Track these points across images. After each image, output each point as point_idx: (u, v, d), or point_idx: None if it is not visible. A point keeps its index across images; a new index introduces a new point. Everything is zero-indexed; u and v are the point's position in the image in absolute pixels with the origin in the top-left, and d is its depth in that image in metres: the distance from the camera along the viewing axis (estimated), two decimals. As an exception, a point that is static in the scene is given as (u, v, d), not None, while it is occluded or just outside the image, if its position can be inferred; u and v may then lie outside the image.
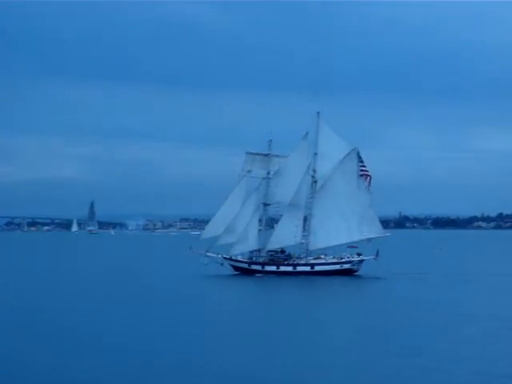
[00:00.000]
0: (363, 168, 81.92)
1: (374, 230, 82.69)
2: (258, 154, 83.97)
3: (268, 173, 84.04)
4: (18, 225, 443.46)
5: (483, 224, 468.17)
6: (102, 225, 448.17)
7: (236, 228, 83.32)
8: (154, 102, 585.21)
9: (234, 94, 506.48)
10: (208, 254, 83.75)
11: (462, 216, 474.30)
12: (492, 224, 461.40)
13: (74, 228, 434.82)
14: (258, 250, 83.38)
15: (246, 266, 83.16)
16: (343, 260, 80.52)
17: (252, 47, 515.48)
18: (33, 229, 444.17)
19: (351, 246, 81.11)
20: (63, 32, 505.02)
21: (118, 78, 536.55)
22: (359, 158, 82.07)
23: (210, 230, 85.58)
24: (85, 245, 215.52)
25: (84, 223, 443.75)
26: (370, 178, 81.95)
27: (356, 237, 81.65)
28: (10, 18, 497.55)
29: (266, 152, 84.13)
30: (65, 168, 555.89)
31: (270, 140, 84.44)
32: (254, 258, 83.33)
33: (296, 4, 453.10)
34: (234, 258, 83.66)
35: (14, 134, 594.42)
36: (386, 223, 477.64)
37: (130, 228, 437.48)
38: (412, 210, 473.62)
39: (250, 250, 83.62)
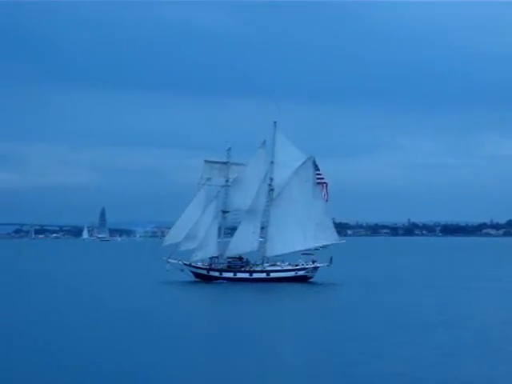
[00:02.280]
0: (319, 176, 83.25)
1: (330, 237, 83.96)
2: (216, 162, 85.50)
3: (227, 181, 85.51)
4: (27, 232, 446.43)
5: (492, 231, 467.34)
6: (112, 232, 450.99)
7: (196, 235, 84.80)
8: (163, 108, 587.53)
9: (243, 99, 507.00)
10: (169, 260, 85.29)
11: (471, 223, 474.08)
12: (501, 231, 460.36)
13: (85, 235, 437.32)
14: (217, 257, 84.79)
15: (204, 272, 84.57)
16: (298, 267, 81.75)
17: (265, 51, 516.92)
18: (41, 236, 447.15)
19: (306, 253, 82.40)
20: (72, 39, 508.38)
21: (126, 84, 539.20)
22: (315, 166, 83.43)
23: (172, 237, 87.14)
24: (89, 252, 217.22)
25: (93, 230, 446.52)
26: (327, 186, 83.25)
27: (312, 244, 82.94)
28: (16, 24, 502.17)
29: (225, 160, 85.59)
30: (73, 175, 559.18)
31: (229, 148, 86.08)
32: (214, 265, 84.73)
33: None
34: (193, 264, 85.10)
35: (23, 141, 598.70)
36: (395, 230, 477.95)
37: (138, 235, 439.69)
38: (421, 217, 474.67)
39: (210, 256, 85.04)
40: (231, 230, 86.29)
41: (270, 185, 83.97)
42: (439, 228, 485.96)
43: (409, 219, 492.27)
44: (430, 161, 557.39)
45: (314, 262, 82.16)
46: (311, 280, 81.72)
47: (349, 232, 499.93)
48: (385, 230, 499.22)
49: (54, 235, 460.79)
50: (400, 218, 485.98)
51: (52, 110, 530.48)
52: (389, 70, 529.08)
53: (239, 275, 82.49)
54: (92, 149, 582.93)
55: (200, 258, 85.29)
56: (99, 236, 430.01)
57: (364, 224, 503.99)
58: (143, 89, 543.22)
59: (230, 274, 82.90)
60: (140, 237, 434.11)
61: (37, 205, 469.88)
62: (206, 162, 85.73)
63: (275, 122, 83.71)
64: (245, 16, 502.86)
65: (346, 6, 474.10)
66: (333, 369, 34.13)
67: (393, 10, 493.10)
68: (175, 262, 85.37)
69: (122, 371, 33.67)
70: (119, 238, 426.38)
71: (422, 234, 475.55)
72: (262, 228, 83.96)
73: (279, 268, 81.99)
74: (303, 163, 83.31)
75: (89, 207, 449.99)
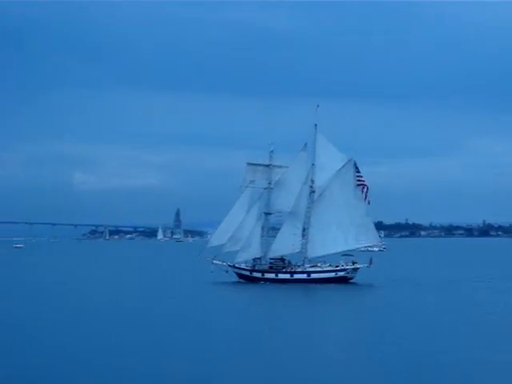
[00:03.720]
0: (360, 178, 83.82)
1: (371, 239, 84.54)
2: (259, 165, 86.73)
3: (269, 183, 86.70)
4: (101, 233, 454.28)
5: None
6: (186, 233, 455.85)
7: (240, 236, 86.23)
8: (235, 109, 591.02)
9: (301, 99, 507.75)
10: (214, 261, 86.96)
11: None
12: None
13: (160, 236, 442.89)
14: (260, 258, 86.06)
15: (247, 273, 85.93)
16: (338, 268, 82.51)
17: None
18: (116, 237, 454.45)
19: (346, 254, 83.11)
20: (142, 43, 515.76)
21: (193, 86, 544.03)
22: (356, 168, 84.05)
23: (217, 239, 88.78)
24: (157, 253, 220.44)
25: (166, 231, 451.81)
26: (367, 188, 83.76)
27: (353, 245, 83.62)
28: (92, 31, 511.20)
29: (268, 163, 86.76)
30: (147, 176, 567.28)
31: (272, 151, 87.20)
32: (256, 266, 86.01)
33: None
34: (237, 265, 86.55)
35: (98, 143, 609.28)
36: (469, 231, 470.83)
37: (209, 236, 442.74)
38: (497, 218, 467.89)
39: (253, 257, 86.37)
40: (274, 232, 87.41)
41: (311, 187, 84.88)
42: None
43: (484, 220, 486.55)
44: (499, 160, 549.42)
45: (354, 263, 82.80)
46: (352, 281, 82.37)
47: (422, 233, 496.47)
48: (459, 231, 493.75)
49: (128, 236, 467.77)
50: (475, 219, 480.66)
51: (127, 113, 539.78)
52: (460, 70, 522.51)
53: (281, 276, 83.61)
54: (166, 150, 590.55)
55: (243, 259, 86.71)
56: (174, 237, 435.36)
57: (438, 225, 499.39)
58: (209, 90, 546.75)
59: (272, 275, 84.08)
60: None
61: (112, 206, 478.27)
62: (249, 164, 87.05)
63: (316, 125, 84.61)
64: (308, 16, 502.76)
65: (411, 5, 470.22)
66: (371, 365, 34.91)
67: (458, 7, 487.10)
68: (220, 263, 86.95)
69: (168, 370, 34.41)
70: (191, 239, 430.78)
71: (498, 235, 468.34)
72: (304, 229, 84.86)
73: (319, 269, 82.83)
74: (344, 165, 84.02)
75: (163, 208, 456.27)
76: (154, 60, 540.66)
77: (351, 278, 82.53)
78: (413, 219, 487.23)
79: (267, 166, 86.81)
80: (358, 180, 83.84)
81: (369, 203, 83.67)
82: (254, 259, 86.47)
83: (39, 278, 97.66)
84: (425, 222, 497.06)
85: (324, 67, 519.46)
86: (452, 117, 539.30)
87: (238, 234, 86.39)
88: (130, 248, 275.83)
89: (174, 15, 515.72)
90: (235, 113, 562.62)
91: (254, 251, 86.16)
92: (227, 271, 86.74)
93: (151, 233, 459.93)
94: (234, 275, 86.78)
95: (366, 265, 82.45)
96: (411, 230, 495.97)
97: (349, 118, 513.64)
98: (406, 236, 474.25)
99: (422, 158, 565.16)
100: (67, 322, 51.17)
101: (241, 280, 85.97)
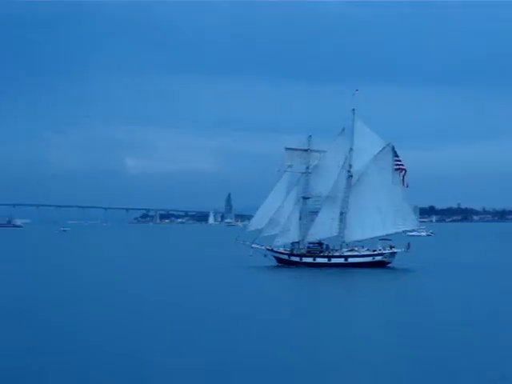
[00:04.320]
0: (398, 162, 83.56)
1: (410, 224, 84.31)
2: (297, 150, 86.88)
3: (307, 167, 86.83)
4: (152, 217, 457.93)
5: None
6: (237, 217, 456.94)
7: (278, 221, 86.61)
8: (286, 94, 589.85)
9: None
10: (253, 245, 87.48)
11: None
12: None
13: (211, 220, 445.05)
14: (298, 242, 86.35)
15: (286, 257, 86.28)
16: (375, 252, 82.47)
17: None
18: (166, 221, 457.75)
19: (384, 238, 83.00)
20: (198, 29, 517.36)
21: (247, 71, 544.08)
22: (394, 152, 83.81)
23: (255, 223, 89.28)
24: (208, 236, 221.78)
25: (217, 215, 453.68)
26: (405, 172, 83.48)
27: (391, 230, 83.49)
28: (148, 15, 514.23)
29: (306, 147, 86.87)
30: (199, 161, 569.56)
31: (310, 136, 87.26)
32: (295, 250, 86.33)
33: None
34: (275, 249, 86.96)
35: (150, 127, 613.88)
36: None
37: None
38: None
39: (291, 241, 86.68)
40: (312, 216, 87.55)
41: (349, 171, 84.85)
42: None
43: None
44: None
45: (391, 247, 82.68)
46: (389, 265, 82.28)
47: (475, 218, 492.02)
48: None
49: (179, 220, 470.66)
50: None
51: (179, 98, 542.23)
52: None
53: (318, 260, 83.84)
54: (217, 135, 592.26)
55: (282, 243, 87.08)
56: (226, 221, 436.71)
57: (491, 210, 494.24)
58: (267, 75, 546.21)
59: (310, 259, 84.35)
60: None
61: (163, 190, 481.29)
62: (287, 149, 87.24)
63: (353, 110, 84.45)
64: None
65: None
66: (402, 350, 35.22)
67: None
68: (258, 247, 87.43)
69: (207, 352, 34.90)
70: (241, 224, 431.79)
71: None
72: (342, 214, 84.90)
73: (357, 253, 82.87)
74: (382, 150, 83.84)
75: (214, 193, 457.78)
76: (207, 45, 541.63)
77: (389, 263, 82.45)
78: (465, 204, 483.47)
79: (305, 150, 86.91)
80: (397, 164, 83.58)
81: (407, 186, 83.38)
82: (293, 243, 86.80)
83: (63, 262, 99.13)
84: (477, 207, 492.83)
85: (365, 51, 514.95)
86: (504, 100, 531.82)
87: (276, 219, 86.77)
88: (178, 232, 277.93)
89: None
90: (285, 98, 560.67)
91: (293, 235, 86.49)
92: (266, 255, 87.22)
93: (202, 217, 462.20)
94: (273, 259, 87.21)
95: (403, 249, 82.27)
96: (463, 214, 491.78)
97: (395, 101, 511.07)
98: (458, 220, 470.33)
99: (475, 142, 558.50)
100: (91, 306, 52.03)
101: (279, 264, 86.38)
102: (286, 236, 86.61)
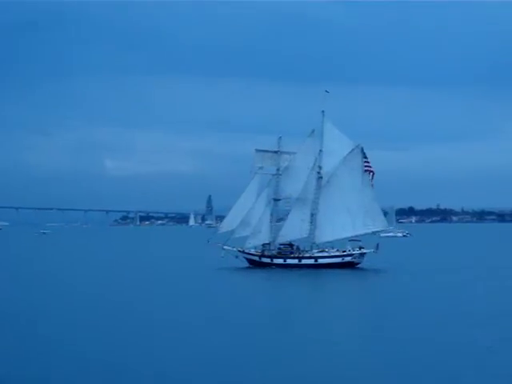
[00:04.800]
0: (367, 164, 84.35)
1: (379, 224, 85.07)
2: (267, 151, 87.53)
3: (278, 169, 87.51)
4: (133, 219, 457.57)
5: None
6: (217, 219, 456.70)
7: (250, 222, 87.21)
8: (268, 95, 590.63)
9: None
10: (225, 247, 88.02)
11: None
12: None
13: (191, 222, 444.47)
14: (269, 244, 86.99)
15: (257, 258, 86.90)
16: (345, 253, 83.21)
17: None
18: (146, 223, 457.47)
19: (353, 239, 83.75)
20: (179, 30, 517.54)
21: (229, 73, 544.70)
22: (363, 154, 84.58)
23: (227, 224, 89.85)
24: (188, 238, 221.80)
25: (197, 217, 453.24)
26: (373, 174, 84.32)
27: (361, 230, 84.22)
28: (129, 17, 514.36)
29: (276, 149, 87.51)
30: (178, 162, 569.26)
31: (280, 137, 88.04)
32: (266, 251, 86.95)
33: None
34: (246, 251, 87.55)
35: (130, 129, 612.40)
36: (501, 217, 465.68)
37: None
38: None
39: (263, 243, 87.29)
40: (283, 217, 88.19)
41: (318, 173, 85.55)
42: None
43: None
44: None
45: (360, 248, 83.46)
46: (358, 266, 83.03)
47: (454, 218, 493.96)
48: (491, 217, 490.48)
49: (160, 222, 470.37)
50: (508, 205, 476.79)
51: (158, 99, 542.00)
52: (494, 53, 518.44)
53: (289, 261, 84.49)
54: (197, 136, 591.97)
55: (253, 244, 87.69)
56: (206, 223, 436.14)
57: (470, 210, 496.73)
58: (246, 76, 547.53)
59: (281, 260, 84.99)
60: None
61: (143, 192, 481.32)
62: (258, 150, 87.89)
63: (323, 111, 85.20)
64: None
65: None
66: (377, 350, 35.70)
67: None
68: (230, 248, 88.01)
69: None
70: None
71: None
72: (312, 215, 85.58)
73: (326, 254, 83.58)
74: (351, 151, 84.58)
75: (194, 194, 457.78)
76: (187, 46, 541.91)
77: (358, 263, 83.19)
78: (444, 204, 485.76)
79: (275, 152, 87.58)
80: (366, 166, 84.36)
81: (372, 187, 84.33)
82: (264, 245, 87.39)
83: (39, 264, 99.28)
84: (456, 208, 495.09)
85: (336, 52, 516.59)
86: (482, 102, 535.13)
87: (247, 220, 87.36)
88: (157, 234, 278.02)
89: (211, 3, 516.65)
90: (267, 98, 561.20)
91: (264, 237, 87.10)
92: (237, 257, 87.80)
93: (182, 219, 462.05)
94: (244, 261, 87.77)
95: (372, 250, 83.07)
96: (443, 215, 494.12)
97: (371, 102, 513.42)
98: (438, 221, 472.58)
99: (453, 143, 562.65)
100: (61, 312, 52.40)
101: (250, 265, 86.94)
102: (257, 237, 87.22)
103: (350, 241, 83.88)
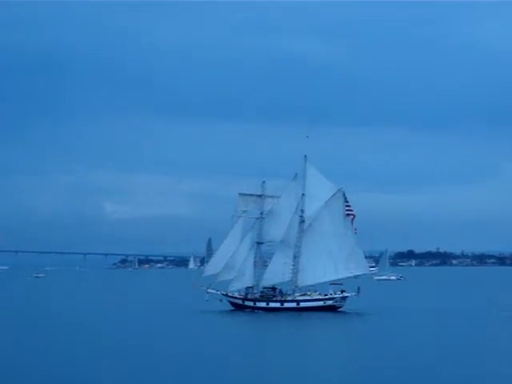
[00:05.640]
0: (349, 208, 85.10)
1: (361, 268, 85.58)
2: (251, 195, 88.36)
3: (261, 213, 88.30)
4: (131, 262, 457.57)
5: None
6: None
7: (233, 266, 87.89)
8: (267, 139, 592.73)
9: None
10: (209, 290, 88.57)
11: None
12: None
13: (191, 265, 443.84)
14: (252, 287, 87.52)
15: (240, 302, 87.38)
16: (326, 296, 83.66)
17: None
18: (146, 266, 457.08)
19: (334, 283, 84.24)
20: (175, 71, 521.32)
21: (227, 115, 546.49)
22: (345, 198, 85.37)
23: (211, 268, 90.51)
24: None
25: (196, 260, 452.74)
26: (354, 217, 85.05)
27: (343, 274, 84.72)
28: (126, 60, 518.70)
29: (260, 193, 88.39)
30: (178, 205, 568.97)
31: (264, 181, 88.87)
32: (249, 295, 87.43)
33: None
34: (230, 294, 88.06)
35: (129, 172, 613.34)
36: (502, 260, 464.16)
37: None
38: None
39: (246, 286, 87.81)
40: (267, 261, 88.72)
41: (301, 216, 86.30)
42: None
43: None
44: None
45: (342, 291, 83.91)
46: (341, 309, 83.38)
47: (454, 262, 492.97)
48: (492, 260, 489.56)
49: (159, 265, 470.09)
50: (508, 248, 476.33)
51: (157, 142, 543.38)
52: (488, 95, 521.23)
53: (271, 305, 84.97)
54: (197, 179, 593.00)
55: (237, 288, 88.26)
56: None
57: (470, 254, 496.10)
58: (245, 119, 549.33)
59: (263, 304, 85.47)
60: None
61: (143, 235, 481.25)
62: (241, 194, 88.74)
63: (305, 156, 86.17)
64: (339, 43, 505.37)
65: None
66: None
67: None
68: (214, 291, 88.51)
69: None
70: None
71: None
72: (295, 258, 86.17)
73: (308, 297, 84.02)
74: (333, 195, 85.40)
75: (194, 237, 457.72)
76: (186, 89, 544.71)
77: (340, 307, 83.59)
78: (444, 248, 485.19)
79: (259, 196, 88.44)
80: (347, 210, 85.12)
81: (355, 232, 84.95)
82: (247, 288, 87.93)
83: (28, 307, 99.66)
84: (456, 251, 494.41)
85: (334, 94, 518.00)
86: (481, 142, 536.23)
87: (231, 264, 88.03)
88: (154, 277, 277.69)
89: (208, 45, 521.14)
90: (265, 141, 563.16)
91: (247, 280, 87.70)
92: (221, 300, 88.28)
93: (181, 262, 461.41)
94: (229, 304, 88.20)
95: (354, 293, 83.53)
96: (442, 258, 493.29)
97: (369, 144, 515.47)
98: (437, 264, 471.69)
99: (452, 185, 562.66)
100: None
101: (234, 309, 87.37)
102: (241, 281, 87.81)
103: (331, 284, 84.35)
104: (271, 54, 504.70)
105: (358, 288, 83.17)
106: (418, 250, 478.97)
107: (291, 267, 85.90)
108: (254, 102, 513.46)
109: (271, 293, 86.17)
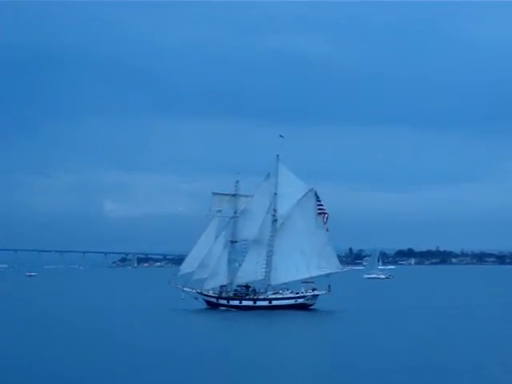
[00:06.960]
0: (321, 207, 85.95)
1: (333, 266, 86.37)
2: (225, 195, 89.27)
3: (235, 212, 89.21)
4: (131, 260, 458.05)
5: None
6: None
7: (208, 264, 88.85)
8: (269, 137, 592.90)
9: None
10: (185, 288, 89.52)
11: None
12: None
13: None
14: (226, 286, 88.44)
15: (214, 300, 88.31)
16: (298, 295, 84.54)
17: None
18: (145, 265, 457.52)
19: (306, 281, 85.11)
20: (175, 68, 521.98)
21: (229, 112, 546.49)
22: (317, 197, 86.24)
23: (186, 266, 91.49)
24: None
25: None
26: (327, 216, 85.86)
27: (315, 272, 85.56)
28: (129, 58, 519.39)
29: (233, 192, 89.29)
30: (177, 204, 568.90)
31: (237, 181, 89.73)
32: (223, 293, 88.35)
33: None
34: (205, 292, 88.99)
35: (129, 170, 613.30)
36: (501, 259, 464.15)
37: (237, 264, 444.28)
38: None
39: (220, 284, 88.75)
40: (240, 259, 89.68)
41: (273, 215, 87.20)
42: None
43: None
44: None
45: (313, 289, 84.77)
46: (312, 307, 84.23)
47: (454, 260, 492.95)
48: (491, 259, 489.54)
49: (158, 264, 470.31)
50: (507, 246, 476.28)
51: (158, 140, 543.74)
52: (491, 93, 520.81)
53: (244, 303, 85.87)
54: (196, 177, 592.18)
55: (211, 286, 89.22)
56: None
57: (469, 252, 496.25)
58: (248, 116, 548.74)
59: (236, 302, 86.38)
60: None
61: (142, 234, 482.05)
62: (215, 194, 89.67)
63: (278, 155, 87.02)
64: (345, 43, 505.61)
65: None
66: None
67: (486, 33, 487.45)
68: (190, 290, 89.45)
69: None
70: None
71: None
72: (268, 257, 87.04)
73: (280, 296, 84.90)
74: (305, 194, 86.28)
75: (193, 236, 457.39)
76: (185, 87, 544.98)
77: (311, 305, 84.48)
78: (444, 246, 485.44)
79: (233, 195, 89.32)
80: (319, 208, 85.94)
81: (327, 230, 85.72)
82: (221, 286, 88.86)
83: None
84: (456, 249, 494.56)
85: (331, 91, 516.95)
86: (481, 141, 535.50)
87: (206, 262, 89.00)
88: (151, 275, 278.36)
89: (210, 44, 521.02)
90: (262, 140, 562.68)
91: (221, 278, 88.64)
92: (197, 298, 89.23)
93: (181, 260, 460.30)
94: (203, 302, 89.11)
95: (324, 292, 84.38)
96: (442, 257, 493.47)
97: (372, 143, 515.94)
98: (437, 263, 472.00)
99: (452, 184, 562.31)
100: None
101: (208, 307, 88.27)
102: (215, 279, 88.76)
103: (303, 283, 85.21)
104: (271, 54, 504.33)
105: (329, 286, 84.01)
106: (417, 248, 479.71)
107: (264, 266, 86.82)
108: (254, 102, 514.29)
109: (244, 291, 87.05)
